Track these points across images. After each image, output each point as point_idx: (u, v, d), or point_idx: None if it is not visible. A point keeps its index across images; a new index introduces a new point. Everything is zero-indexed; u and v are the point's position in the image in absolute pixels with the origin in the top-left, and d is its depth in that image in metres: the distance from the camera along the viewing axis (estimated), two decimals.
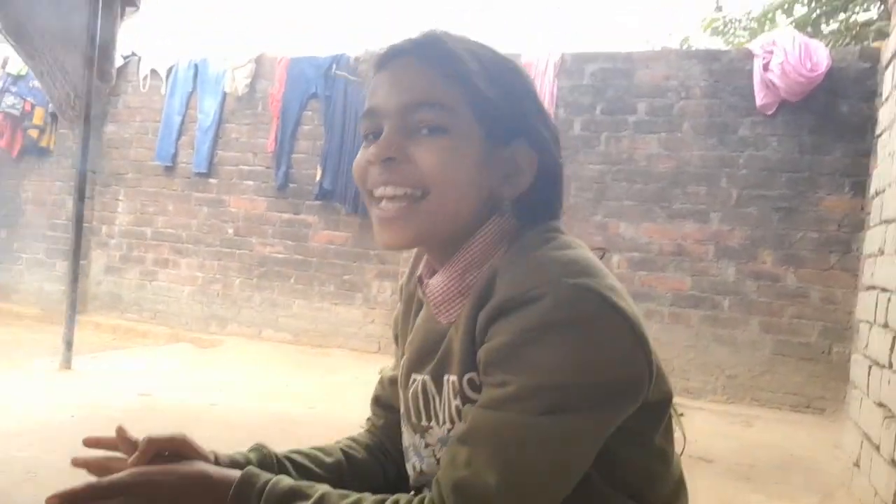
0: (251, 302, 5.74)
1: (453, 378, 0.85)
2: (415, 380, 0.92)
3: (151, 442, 0.87)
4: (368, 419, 1.13)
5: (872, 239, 2.98)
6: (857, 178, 4.28)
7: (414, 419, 0.92)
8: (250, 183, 5.78)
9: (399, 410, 1.01)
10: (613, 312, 0.76)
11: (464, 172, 0.84)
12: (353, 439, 1.10)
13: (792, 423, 4.05)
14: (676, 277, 4.62)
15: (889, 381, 2.36)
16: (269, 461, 0.98)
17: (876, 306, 2.68)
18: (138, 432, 2.98)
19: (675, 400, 0.90)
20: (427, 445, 0.91)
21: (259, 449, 1.00)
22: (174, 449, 0.89)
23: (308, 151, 5.59)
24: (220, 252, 5.86)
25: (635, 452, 0.84)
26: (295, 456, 1.01)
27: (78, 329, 4.30)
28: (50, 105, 6.02)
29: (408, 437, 0.97)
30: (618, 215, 4.76)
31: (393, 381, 1.07)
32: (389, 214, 0.85)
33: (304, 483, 0.84)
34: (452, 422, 0.86)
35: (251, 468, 0.86)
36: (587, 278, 0.77)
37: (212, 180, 5.89)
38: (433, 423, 0.89)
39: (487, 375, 0.79)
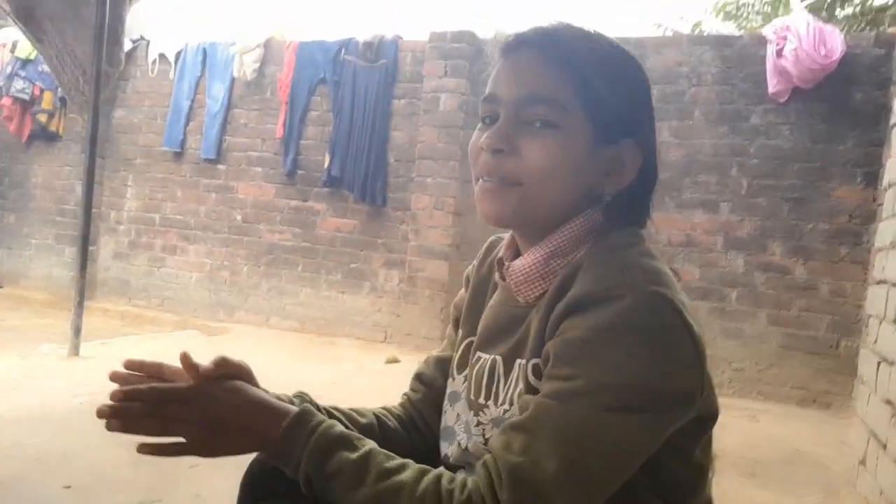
0: (259, 289, 5.76)
1: (523, 362, 0.89)
2: (480, 357, 0.96)
3: (223, 361, 0.89)
4: (404, 394, 1.16)
5: (884, 232, 2.94)
6: (870, 169, 4.22)
7: (473, 396, 0.95)
8: (259, 169, 5.77)
9: (439, 389, 1.08)
10: (683, 326, 0.79)
11: (567, 169, 0.88)
12: (386, 409, 1.13)
13: (798, 417, 4.02)
14: (685, 268, 4.58)
15: None
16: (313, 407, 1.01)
17: (886, 301, 2.65)
18: None
19: None
20: (479, 423, 0.93)
21: (303, 396, 1.03)
22: (240, 376, 0.91)
23: (316, 138, 5.57)
24: (228, 239, 5.87)
25: (677, 464, 0.87)
26: (333, 410, 1.04)
27: (87, 315, 4.32)
28: (59, 89, 6.03)
29: (453, 416, 1.00)
30: None
31: (440, 361, 1.12)
32: (486, 192, 0.90)
33: (354, 434, 0.86)
34: (511, 404, 0.88)
35: (308, 406, 0.88)
36: (666, 289, 0.80)
37: (220, 166, 5.89)
38: (490, 401, 0.92)
39: (555, 367, 0.81)
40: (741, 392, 4.37)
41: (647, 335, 0.77)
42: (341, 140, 5.39)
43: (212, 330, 5.44)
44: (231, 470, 2.72)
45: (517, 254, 0.97)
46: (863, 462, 2.65)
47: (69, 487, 2.20)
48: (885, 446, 2.36)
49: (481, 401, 0.93)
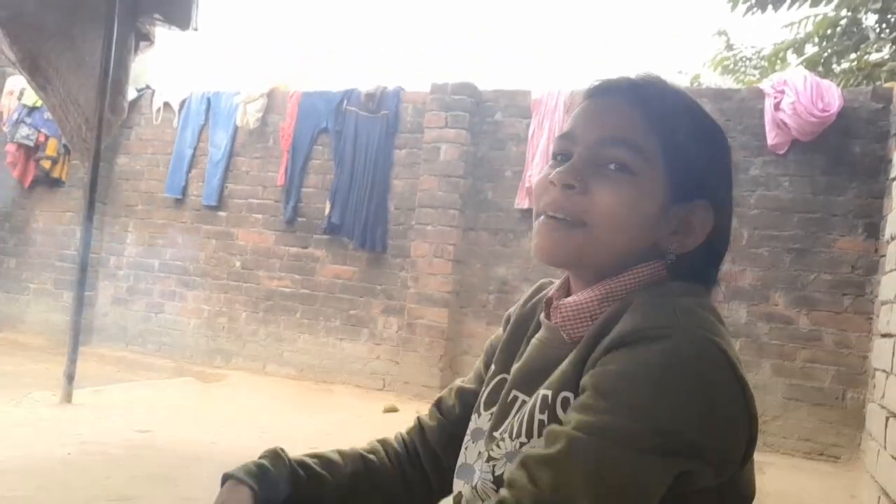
0: (256, 336, 5.70)
1: (546, 392, 0.84)
2: (517, 397, 0.91)
3: None
4: (418, 417, 1.11)
5: (888, 285, 2.91)
6: (871, 220, 4.22)
7: (492, 430, 0.91)
8: (259, 216, 5.78)
9: (456, 419, 1.03)
10: (735, 380, 0.74)
11: (635, 218, 0.85)
12: (383, 443, 1.08)
13: (805, 470, 3.93)
14: None
15: None
16: (282, 466, 0.96)
17: (893, 355, 2.60)
18: (136, 471, 2.92)
19: None
20: (490, 459, 0.88)
21: (272, 455, 0.97)
22: None
23: (317, 186, 5.59)
24: (227, 285, 5.84)
25: None
26: (310, 461, 0.99)
27: (82, 360, 4.27)
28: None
29: (474, 453, 0.94)
30: None
31: (463, 392, 1.07)
32: (548, 229, 0.87)
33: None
34: (529, 436, 0.83)
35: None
36: (720, 339, 0.75)
37: (221, 213, 5.90)
38: (506, 434, 0.87)
39: (590, 398, 0.74)
40: None
41: (694, 381, 0.72)
42: (342, 188, 5.41)
43: (208, 377, 5.37)
44: None
45: (568, 295, 0.94)
46: None
47: None
48: None
49: (496, 434, 0.89)
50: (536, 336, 0.96)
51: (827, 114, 4.24)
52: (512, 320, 1.05)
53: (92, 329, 6.15)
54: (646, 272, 0.87)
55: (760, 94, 4.53)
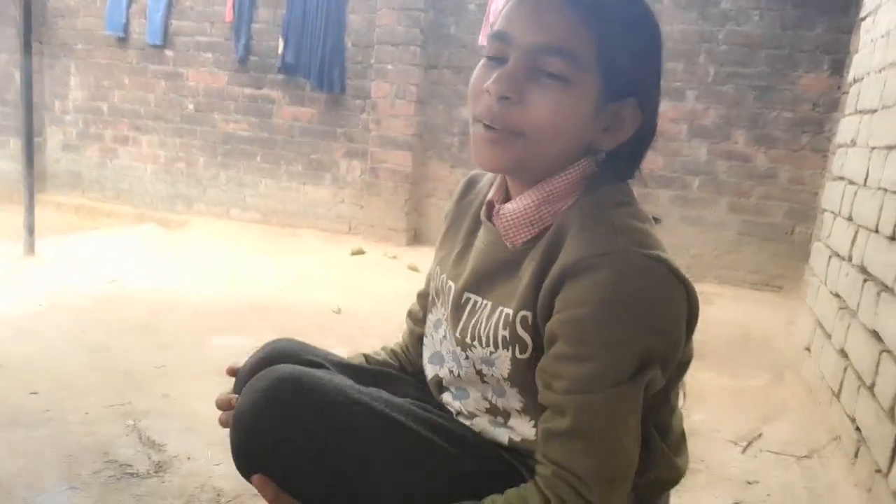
0: (217, 181, 5.62)
1: (508, 311, 0.90)
2: (469, 299, 0.97)
3: None
4: (412, 309, 1.24)
5: (846, 128, 2.94)
6: (837, 56, 4.18)
7: (460, 334, 0.98)
8: (209, 55, 5.48)
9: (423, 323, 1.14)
10: (678, 282, 0.81)
11: (571, 124, 0.87)
12: (393, 350, 1.25)
13: (751, 300, 4.19)
14: (648, 157, 4.52)
15: (847, 274, 2.41)
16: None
17: (842, 198, 2.69)
18: (109, 321, 2.96)
19: None
20: (468, 358, 0.97)
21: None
22: None
23: (269, 21, 5.27)
24: (182, 129, 5.65)
25: (659, 407, 0.91)
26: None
27: (39, 209, 4.18)
28: None
29: (438, 341, 1.05)
30: None
31: (422, 297, 1.20)
32: (486, 138, 0.88)
33: None
34: (496, 347, 0.91)
35: None
36: (656, 250, 0.81)
37: (168, 52, 5.57)
38: (476, 343, 0.95)
39: (570, 348, 0.81)
40: (698, 277, 4.49)
41: (646, 301, 0.79)
42: (295, 24, 5.10)
43: (171, 223, 5.35)
44: (196, 372, 2.71)
45: (507, 196, 0.97)
46: (808, 348, 2.79)
47: (36, 394, 2.20)
48: (829, 336, 2.47)
49: (468, 340, 0.96)
50: (480, 239, 1.00)
51: None
52: (448, 219, 1.11)
53: (45, 176, 5.99)
54: (577, 171, 0.90)
55: None
